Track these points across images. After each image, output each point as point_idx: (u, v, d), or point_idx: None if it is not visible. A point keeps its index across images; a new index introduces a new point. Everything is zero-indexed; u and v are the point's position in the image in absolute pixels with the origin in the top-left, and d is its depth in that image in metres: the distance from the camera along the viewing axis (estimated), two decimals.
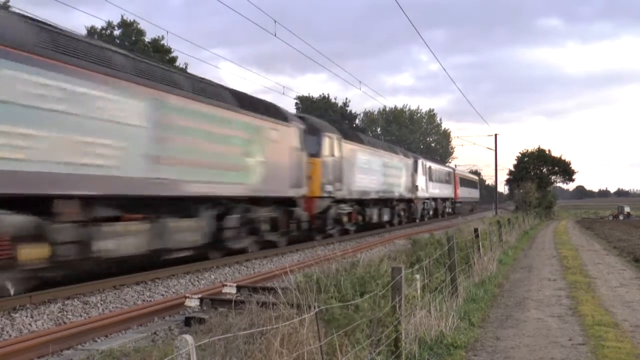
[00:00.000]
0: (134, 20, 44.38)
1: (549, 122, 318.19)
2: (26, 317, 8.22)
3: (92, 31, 44.08)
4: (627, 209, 60.20)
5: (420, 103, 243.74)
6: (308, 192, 19.24)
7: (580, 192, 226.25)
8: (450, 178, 50.92)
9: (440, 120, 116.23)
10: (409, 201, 34.35)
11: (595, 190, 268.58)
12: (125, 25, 44.79)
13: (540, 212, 50.34)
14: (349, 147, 23.72)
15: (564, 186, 73.08)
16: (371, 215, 27.08)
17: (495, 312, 8.79)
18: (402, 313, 5.57)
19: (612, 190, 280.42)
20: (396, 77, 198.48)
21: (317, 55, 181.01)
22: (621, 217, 56.27)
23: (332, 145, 21.65)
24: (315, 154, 20.18)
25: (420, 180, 37.17)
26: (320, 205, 20.55)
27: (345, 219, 23.61)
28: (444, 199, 47.95)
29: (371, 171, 26.54)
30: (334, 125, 25.67)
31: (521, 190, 50.92)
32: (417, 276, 7.38)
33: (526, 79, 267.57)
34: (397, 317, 5.45)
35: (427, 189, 39.49)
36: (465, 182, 62.65)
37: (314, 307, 4.55)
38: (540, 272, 13.58)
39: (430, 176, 40.62)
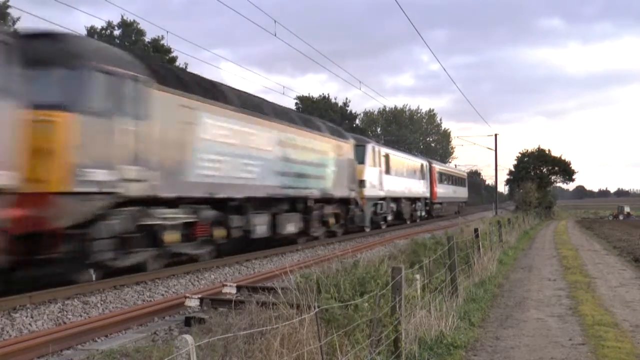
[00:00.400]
0: (134, 20, 44.42)
1: (549, 122, 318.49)
2: (26, 317, 8.23)
3: (92, 31, 44.11)
4: (627, 209, 60.26)
5: (421, 103, 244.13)
6: (26, 185, 8.98)
7: (580, 192, 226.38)
8: (424, 172, 39.56)
9: (440, 120, 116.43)
10: (345, 202, 23.06)
11: (595, 190, 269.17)
12: (125, 25, 44.81)
13: (540, 212, 50.39)
14: (178, 102, 12.72)
15: (564, 186, 73.31)
16: (248, 225, 15.62)
17: (495, 312, 8.79)
18: (402, 313, 5.57)
19: (612, 190, 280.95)
20: (397, 77, 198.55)
21: (318, 56, 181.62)
22: (621, 217, 56.31)
23: (119, 93, 10.96)
24: (60, 105, 9.86)
25: (371, 173, 27.20)
26: (73, 210, 9.97)
27: (172, 235, 12.65)
28: (414, 199, 36.64)
29: (248, 151, 15.56)
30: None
31: (521, 190, 50.98)
32: (417, 276, 7.38)
33: (527, 79, 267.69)
34: (397, 317, 5.45)
35: (383, 185, 28.93)
36: (448, 178, 50.36)
37: (314, 307, 4.55)
38: (540, 272, 13.58)
39: (387, 168, 30.00)
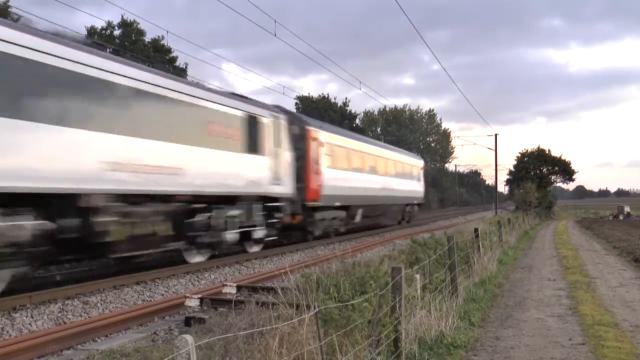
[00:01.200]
0: (134, 20, 44.41)
1: (550, 122, 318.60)
2: (26, 317, 8.23)
3: (92, 31, 44.08)
4: (627, 209, 60.20)
5: (422, 103, 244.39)
6: None
7: (580, 192, 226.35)
8: (267, 137, 16.82)
9: (440, 120, 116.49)
10: None
11: (595, 190, 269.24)
12: (125, 25, 44.79)
13: (540, 212, 50.36)
14: None
15: (564, 186, 73.28)
16: None
17: (495, 312, 8.78)
18: (402, 313, 5.57)
19: (612, 190, 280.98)
20: (398, 77, 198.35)
21: (319, 56, 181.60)
22: (621, 217, 56.24)
23: None
24: None
25: None
26: None
27: None
28: (220, 201, 14.58)
29: None
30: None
31: (521, 190, 50.96)
32: (417, 276, 7.38)
33: (528, 80, 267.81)
34: (397, 317, 5.45)
35: None
36: (370, 162, 27.37)
37: (314, 307, 4.55)
38: (540, 272, 13.56)
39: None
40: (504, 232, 19.56)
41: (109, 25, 45.22)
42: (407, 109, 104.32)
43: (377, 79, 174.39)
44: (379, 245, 20.48)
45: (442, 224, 35.15)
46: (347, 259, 9.02)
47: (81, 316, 8.61)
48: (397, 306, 5.53)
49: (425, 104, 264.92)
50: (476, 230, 13.53)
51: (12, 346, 6.37)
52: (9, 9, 33.02)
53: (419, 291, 7.05)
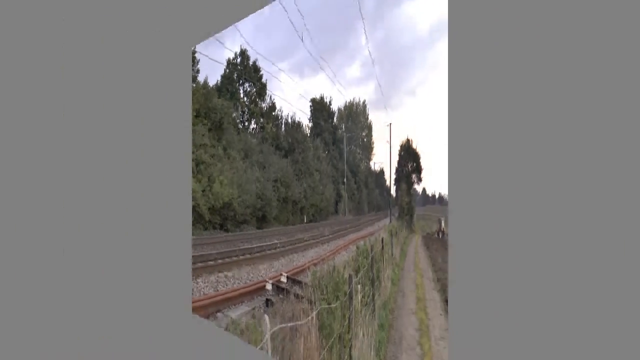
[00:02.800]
0: None
1: None
2: None
3: None
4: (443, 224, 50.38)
5: None
6: None
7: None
8: None
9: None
10: None
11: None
12: None
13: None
14: None
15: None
16: None
17: (392, 348, 5.36)
18: (352, 334, 4.21)
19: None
20: None
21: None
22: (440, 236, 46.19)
23: None
24: None
25: None
26: None
27: None
28: None
29: None
30: None
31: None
32: (359, 287, 4.91)
33: None
34: (350, 338, 4.14)
35: None
36: None
37: (315, 307, 4.08)
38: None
39: None
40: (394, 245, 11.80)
41: None
42: None
43: None
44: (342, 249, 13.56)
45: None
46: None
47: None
48: (349, 321, 3.90)
49: None
50: (382, 240, 8.27)
51: None
52: None
53: (359, 307, 4.71)
